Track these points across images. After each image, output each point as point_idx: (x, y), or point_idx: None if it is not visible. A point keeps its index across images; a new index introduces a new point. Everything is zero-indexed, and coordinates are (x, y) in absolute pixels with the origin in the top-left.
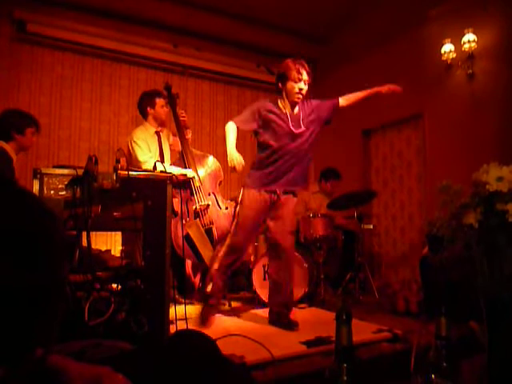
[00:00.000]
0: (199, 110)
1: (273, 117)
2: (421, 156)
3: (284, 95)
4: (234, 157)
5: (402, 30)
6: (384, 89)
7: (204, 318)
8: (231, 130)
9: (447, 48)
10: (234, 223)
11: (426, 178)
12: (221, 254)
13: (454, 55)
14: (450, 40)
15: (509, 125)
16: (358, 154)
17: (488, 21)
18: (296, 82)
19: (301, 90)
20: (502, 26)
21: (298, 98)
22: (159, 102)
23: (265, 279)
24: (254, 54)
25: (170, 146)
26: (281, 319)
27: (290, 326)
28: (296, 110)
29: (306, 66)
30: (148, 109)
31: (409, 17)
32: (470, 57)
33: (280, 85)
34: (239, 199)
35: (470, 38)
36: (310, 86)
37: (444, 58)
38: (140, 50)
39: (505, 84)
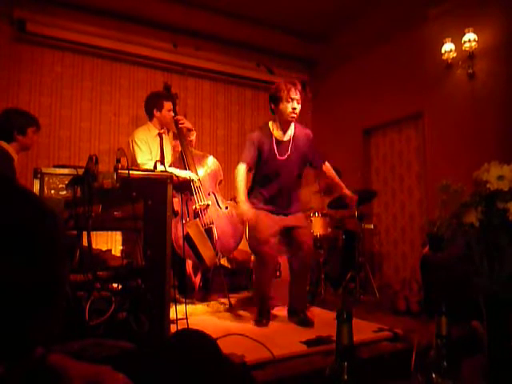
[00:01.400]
0: (199, 110)
1: (263, 146)
2: (421, 155)
3: (277, 117)
4: (245, 211)
5: (402, 30)
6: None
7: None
8: (242, 177)
9: (447, 47)
10: (248, 240)
11: (426, 177)
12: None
13: (455, 55)
14: (450, 39)
15: (509, 124)
16: (359, 153)
17: (488, 20)
18: (288, 102)
19: (294, 109)
20: (503, 26)
21: (293, 118)
22: (167, 105)
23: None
24: (254, 54)
25: (173, 147)
26: (298, 314)
27: (306, 322)
28: (290, 132)
29: (298, 85)
30: (154, 110)
31: (409, 16)
32: (471, 56)
33: (273, 106)
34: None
35: (470, 38)
36: (309, 85)
37: (444, 57)
38: (140, 50)
39: (505, 83)
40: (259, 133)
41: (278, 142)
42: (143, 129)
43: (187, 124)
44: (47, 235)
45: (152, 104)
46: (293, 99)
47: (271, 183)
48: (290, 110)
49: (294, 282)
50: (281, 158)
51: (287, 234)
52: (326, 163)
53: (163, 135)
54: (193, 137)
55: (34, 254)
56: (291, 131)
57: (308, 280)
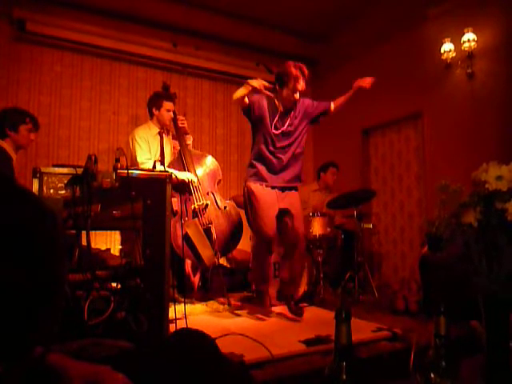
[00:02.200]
0: (199, 109)
1: (267, 114)
2: (420, 155)
3: (279, 96)
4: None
5: (401, 30)
6: (358, 85)
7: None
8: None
9: (447, 47)
10: (252, 219)
11: (425, 177)
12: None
13: (454, 54)
14: (449, 39)
15: (508, 124)
16: (358, 153)
17: (488, 20)
18: (293, 92)
19: (296, 98)
20: (502, 26)
21: (292, 105)
22: (165, 105)
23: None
24: (254, 53)
25: (173, 147)
26: (287, 301)
27: (296, 311)
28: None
29: (306, 71)
30: (153, 109)
31: (408, 16)
32: (470, 56)
33: (277, 86)
34: (246, 195)
35: (469, 38)
36: (309, 85)
37: (444, 57)
38: (139, 49)
39: (504, 83)
40: (264, 98)
41: (282, 114)
42: (144, 127)
43: (185, 125)
44: (47, 235)
45: (152, 103)
46: (297, 89)
47: (271, 154)
48: (292, 98)
49: (286, 265)
50: (282, 128)
51: (281, 218)
52: (331, 103)
53: (163, 134)
54: (189, 141)
55: (33, 254)
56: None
57: (303, 267)
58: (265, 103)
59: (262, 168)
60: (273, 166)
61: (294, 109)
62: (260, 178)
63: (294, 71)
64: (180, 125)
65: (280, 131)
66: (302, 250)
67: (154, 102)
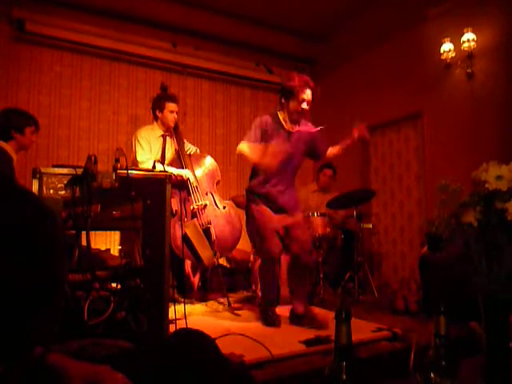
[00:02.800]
0: (198, 109)
1: (270, 133)
2: (420, 155)
3: (286, 110)
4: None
5: (401, 29)
6: (354, 136)
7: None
8: (246, 145)
9: (446, 47)
10: (255, 238)
11: (425, 177)
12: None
13: (454, 54)
14: (449, 39)
15: (508, 124)
16: (358, 153)
17: (487, 20)
18: (300, 103)
19: (303, 109)
20: (502, 25)
21: (300, 118)
22: (168, 106)
23: None
24: (253, 53)
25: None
26: (305, 317)
27: (318, 323)
28: (297, 125)
29: (311, 83)
30: (157, 111)
31: (408, 16)
32: (470, 56)
33: (283, 99)
34: (248, 214)
35: (469, 37)
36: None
37: (443, 57)
38: (139, 50)
39: (504, 83)
40: (269, 119)
41: (287, 133)
42: (148, 128)
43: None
44: (47, 235)
45: (155, 105)
46: (304, 100)
47: (273, 175)
48: (299, 109)
49: (294, 283)
50: (292, 149)
51: (286, 234)
52: (328, 149)
53: (167, 137)
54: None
55: (33, 254)
56: (298, 124)
57: (307, 280)
58: (269, 124)
59: (262, 191)
60: (272, 188)
61: (301, 122)
62: (263, 202)
63: (299, 82)
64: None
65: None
66: (307, 262)
67: (157, 104)
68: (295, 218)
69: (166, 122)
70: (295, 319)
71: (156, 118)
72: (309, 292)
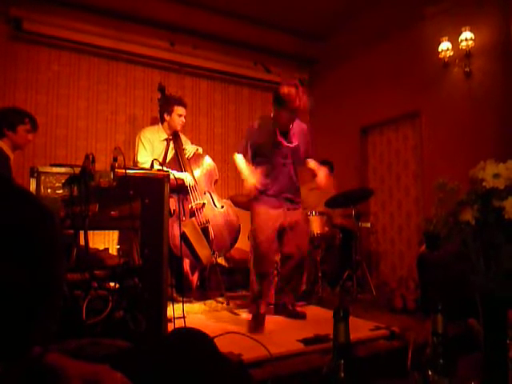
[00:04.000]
0: (196, 109)
1: (262, 137)
2: (418, 154)
3: (278, 117)
4: (250, 183)
5: (399, 29)
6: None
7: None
8: (241, 160)
9: (444, 46)
10: (252, 235)
11: (423, 175)
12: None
13: (452, 53)
14: (447, 38)
15: (506, 122)
16: (356, 151)
17: (485, 19)
18: (290, 113)
19: (290, 119)
20: (500, 24)
21: (286, 126)
22: (177, 109)
23: None
24: (251, 52)
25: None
26: (286, 307)
27: (298, 315)
28: (289, 126)
29: (300, 88)
30: (165, 114)
31: (406, 15)
32: (468, 55)
33: (276, 107)
34: (250, 212)
35: (467, 36)
36: (308, 85)
37: (441, 56)
38: (137, 49)
39: (502, 82)
40: (260, 123)
41: (280, 134)
42: (153, 129)
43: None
44: (46, 235)
45: (163, 108)
46: (293, 111)
47: (270, 176)
48: (289, 118)
49: (285, 276)
50: (279, 150)
51: (284, 232)
52: (310, 161)
53: (170, 142)
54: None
55: (32, 254)
56: (290, 125)
57: (303, 273)
58: (260, 131)
59: (264, 191)
60: (274, 186)
61: (292, 129)
62: (263, 200)
63: (288, 95)
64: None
65: (279, 150)
66: (299, 263)
67: (166, 107)
68: (295, 216)
69: (173, 126)
70: (278, 308)
71: (162, 121)
72: (307, 291)
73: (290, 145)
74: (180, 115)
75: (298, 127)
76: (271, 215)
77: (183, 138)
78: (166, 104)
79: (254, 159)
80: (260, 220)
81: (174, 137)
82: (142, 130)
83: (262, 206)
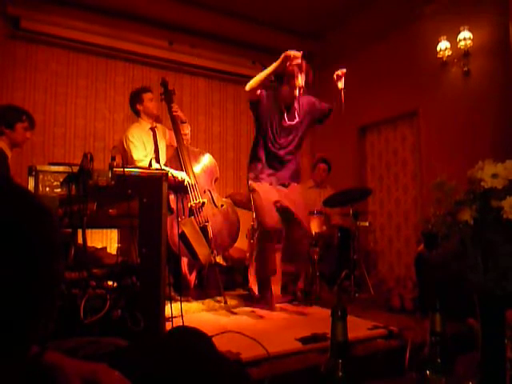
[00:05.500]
0: (195, 107)
1: (271, 111)
2: (416, 153)
3: (279, 93)
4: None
5: (397, 28)
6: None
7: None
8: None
9: (443, 45)
10: (254, 213)
11: (421, 175)
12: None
13: (450, 52)
14: (445, 37)
15: (504, 122)
16: (354, 151)
17: (484, 18)
18: (292, 89)
19: (295, 95)
20: (498, 24)
21: (293, 102)
22: (146, 96)
23: None
24: (250, 51)
25: (167, 142)
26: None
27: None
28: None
29: (304, 65)
30: (137, 105)
31: (404, 14)
32: (466, 54)
33: (276, 83)
34: (248, 191)
35: (465, 36)
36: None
37: (439, 55)
38: (135, 47)
39: (500, 81)
40: (269, 91)
41: (283, 111)
42: (136, 125)
43: (181, 114)
44: (44, 234)
45: (133, 101)
46: (296, 86)
47: (273, 149)
48: (291, 95)
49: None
50: (287, 123)
51: (284, 213)
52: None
53: (156, 130)
54: (187, 130)
55: (30, 253)
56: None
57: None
58: (270, 100)
59: (262, 165)
60: (273, 163)
61: (295, 105)
62: (261, 177)
63: (289, 68)
64: (174, 113)
65: (281, 127)
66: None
67: (135, 98)
68: (293, 194)
69: (149, 112)
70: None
71: (138, 113)
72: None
73: (288, 123)
74: (150, 99)
75: (303, 103)
76: (269, 193)
77: (161, 129)
78: (134, 96)
79: (258, 127)
80: (260, 189)
81: (175, 128)
82: (128, 130)
83: (259, 187)
